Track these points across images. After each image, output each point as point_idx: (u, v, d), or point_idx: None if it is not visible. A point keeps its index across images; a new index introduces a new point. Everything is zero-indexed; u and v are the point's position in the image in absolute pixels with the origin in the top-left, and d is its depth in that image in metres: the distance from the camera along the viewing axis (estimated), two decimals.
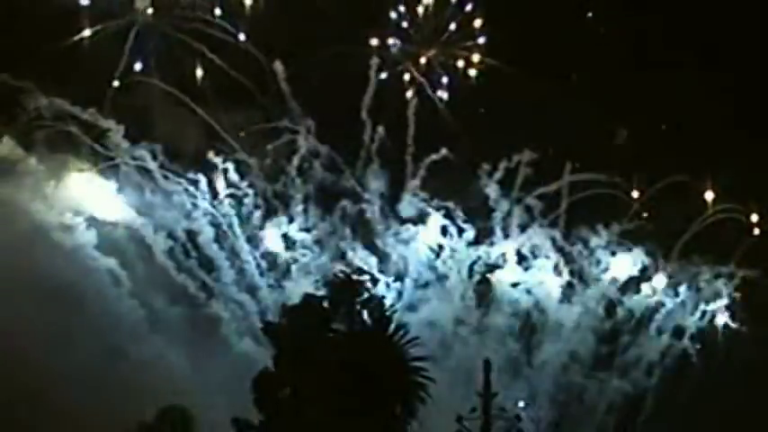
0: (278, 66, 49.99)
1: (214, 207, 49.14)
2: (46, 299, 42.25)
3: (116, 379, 41.93)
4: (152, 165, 48.16)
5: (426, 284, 50.72)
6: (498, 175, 51.57)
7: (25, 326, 41.18)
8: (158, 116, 48.44)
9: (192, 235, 48.45)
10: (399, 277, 50.16)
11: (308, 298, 34.51)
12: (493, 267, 51.18)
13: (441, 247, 51.24)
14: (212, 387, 41.91)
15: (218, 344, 45.97)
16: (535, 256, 51.33)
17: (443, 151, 51.17)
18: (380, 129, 51.32)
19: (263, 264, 49.41)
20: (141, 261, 46.40)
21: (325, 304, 33.94)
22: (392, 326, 32.84)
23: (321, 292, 34.74)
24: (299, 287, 45.02)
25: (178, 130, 48.46)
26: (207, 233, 48.79)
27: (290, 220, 50.30)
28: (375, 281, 34.87)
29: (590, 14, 52.23)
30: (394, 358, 32.37)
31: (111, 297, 44.61)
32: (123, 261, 45.64)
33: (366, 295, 33.75)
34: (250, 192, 49.83)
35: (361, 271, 34.87)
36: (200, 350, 44.65)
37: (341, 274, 34.64)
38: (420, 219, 51.21)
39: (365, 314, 33.45)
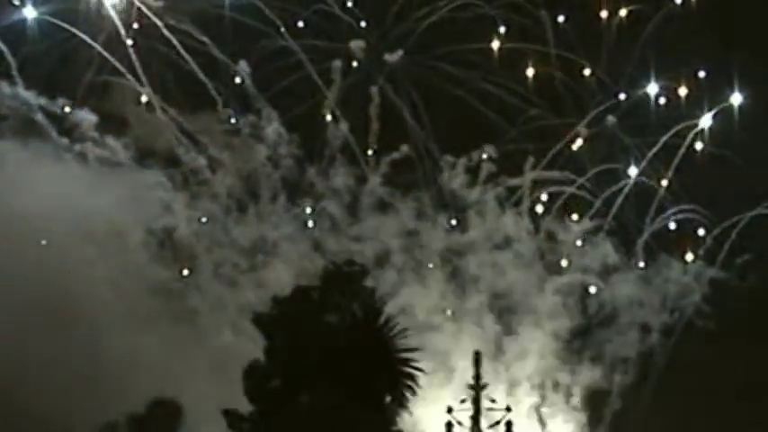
0: (243, 66, 50.25)
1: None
2: (25, 292, 41.93)
3: (97, 370, 41.69)
4: (124, 157, 48.21)
5: (402, 272, 51.00)
6: (460, 169, 52.24)
7: (3, 318, 40.81)
8: (130, 114, 48.68)
9: (168, 229, 48.47)
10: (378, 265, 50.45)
11: (298, 289, 34.76)
12: (466, 255, 51.61)
13: (414, 234, 51.62)
14: (194, 378, 41.88)
15: (197, 336, 45.89)
16: (508, 246, 51.87)
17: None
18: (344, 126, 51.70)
19: (240, 258, 49.53)
20: (119, 253, 46.22)
21: (316, 295, 34.28)
22: (382, 317, 33.22)
23: (307, 284, 35.08)
24: (276, 278, 45.19)
25: (150, 127, 48.66)
26: (183, 227, 48.83)
27: (261, 216, 50.46)
28: (365, 272, 34.83)
29: None
30: (384, 349, 32.68)
31: (90, 288, 44.31)
32: (101, 253, 45.41)
33: (356, 287, 34.19)
34: (222, 189, 50.02)
35: (351, 263, 35.02)
36: (180, 342, 44.57)
37: (331, 266, 34.97)
38: (392, 208, 51.65)
39: (355, 305, 33.77)
